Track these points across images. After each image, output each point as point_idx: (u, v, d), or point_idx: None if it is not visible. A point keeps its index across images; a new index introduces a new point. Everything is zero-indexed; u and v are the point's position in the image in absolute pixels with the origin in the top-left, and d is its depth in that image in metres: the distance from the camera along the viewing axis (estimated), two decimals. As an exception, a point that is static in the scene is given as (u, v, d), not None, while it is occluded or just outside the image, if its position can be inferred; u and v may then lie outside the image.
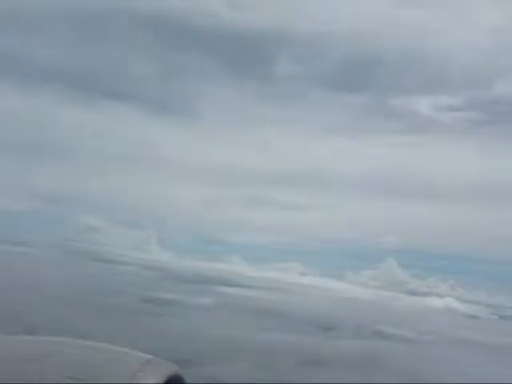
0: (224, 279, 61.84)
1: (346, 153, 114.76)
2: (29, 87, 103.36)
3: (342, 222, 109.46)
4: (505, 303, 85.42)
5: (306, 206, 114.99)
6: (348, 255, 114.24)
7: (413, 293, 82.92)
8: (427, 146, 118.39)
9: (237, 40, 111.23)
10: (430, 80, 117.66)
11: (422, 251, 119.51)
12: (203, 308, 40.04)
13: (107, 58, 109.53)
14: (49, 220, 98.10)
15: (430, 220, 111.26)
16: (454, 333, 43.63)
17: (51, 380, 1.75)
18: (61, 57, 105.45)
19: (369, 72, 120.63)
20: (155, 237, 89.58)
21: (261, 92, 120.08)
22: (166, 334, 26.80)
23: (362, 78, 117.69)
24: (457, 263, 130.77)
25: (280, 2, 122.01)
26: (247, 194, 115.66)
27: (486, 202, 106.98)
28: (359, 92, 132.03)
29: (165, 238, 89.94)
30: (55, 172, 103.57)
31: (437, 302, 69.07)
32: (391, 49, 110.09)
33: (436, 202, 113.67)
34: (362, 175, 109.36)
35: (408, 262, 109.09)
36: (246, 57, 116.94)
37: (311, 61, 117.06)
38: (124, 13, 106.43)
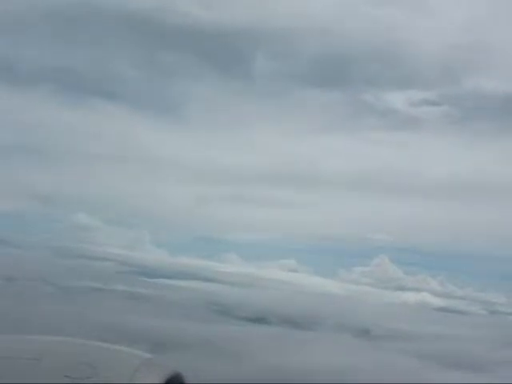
0: (203, 276, 63.23)
1: (330, 150, 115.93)
2: (18, 88, 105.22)
3: (335, 220, 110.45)
4: (495, 300, 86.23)
5: (297, 204, 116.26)
6: (341, 252, 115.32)
7: (403, 289, 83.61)
8: (408, 142, 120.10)
9: (212, 39, 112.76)
10: (404, 75, 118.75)
11: (414, 248, 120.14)
12: (161, 301, 41.66)
13: (87, 58, 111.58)
14: (41, 219, 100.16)
15: (421, 217, 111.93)
16: (411, 327, 44.18)
17: (51, 380, 1.74)
18: (37, 59, 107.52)
19: (343, 68, 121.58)
20: (148, 235, 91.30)
21: (238, 90, 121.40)
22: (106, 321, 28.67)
23: (338, 74, 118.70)
24: (449, 260, 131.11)
25: (252, 1, 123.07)
26: (240, 193, 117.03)
27: (475, 198, 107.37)
28: (336, 88, 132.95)
29: (158, 236, 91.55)
30: (48, 172, 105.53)
31: (412, 298, 69.53)
32: (365, 45, 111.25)
33: (426, 198, 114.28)
34: (352, 173, 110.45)
35: (400, 258, 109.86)
36: (222, 55, 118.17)
37: (286, 58, 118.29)
38: (103, 14, 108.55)
